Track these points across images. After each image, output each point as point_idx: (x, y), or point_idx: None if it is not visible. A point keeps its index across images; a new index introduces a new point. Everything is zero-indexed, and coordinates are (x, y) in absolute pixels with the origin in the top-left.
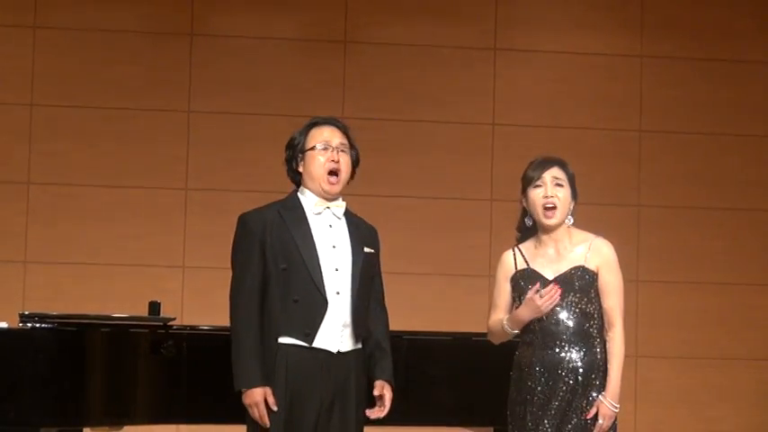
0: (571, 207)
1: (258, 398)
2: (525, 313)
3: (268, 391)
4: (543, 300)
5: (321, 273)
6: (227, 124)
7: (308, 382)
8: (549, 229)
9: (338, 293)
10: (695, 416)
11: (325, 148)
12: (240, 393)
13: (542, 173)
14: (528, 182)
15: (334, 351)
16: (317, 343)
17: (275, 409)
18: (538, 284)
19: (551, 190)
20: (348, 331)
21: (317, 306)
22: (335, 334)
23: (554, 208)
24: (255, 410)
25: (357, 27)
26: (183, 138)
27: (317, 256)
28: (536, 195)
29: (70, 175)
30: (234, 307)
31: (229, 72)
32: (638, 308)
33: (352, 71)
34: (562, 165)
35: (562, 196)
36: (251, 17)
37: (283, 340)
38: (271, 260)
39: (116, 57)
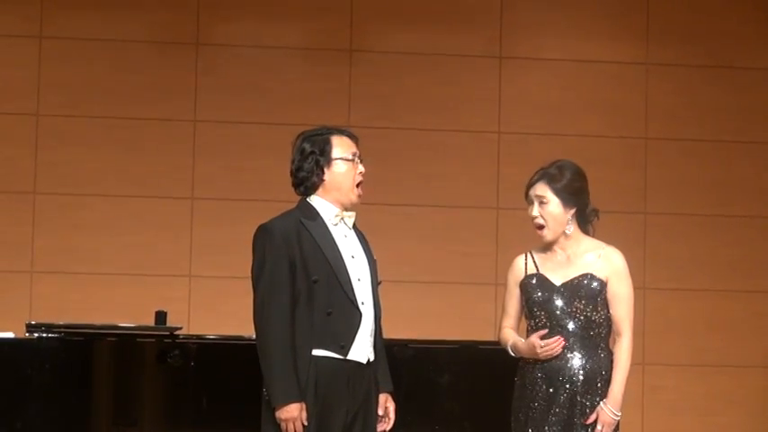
0: (569, 216)
1: (296, 413)
2: (524, 352)
3: (303, 405)
4: (543, 349)
5: (351, 284)
6: (233, 133)
7: (337, 393)
8: (546, 244)
9: (363, 303)
10: (703, 424)
11: (353, 160)
12: (273, 408)
13: (528, 190)
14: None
15: (365, 361)
16: (351, 355)
17: (306, 423)
18: (545, 331)
19: (536, 209)
20: (372, 341)
21: (351, 318)
22: (366, 344)
23: (542, 227)
24: (291, 426)
25: (362, 35)
26: (189, 147)
27: (345, 266)
28: (529, 213)
29: (76, 185)
30: (265, 322)
31: (235, 81)
32: (645, 315)
33: (357, 80)
34: (549, 178)
35: (548, 213)
36: (256, 26)
37: (317, 352)
38: (301, 272)
39: (122, 66)
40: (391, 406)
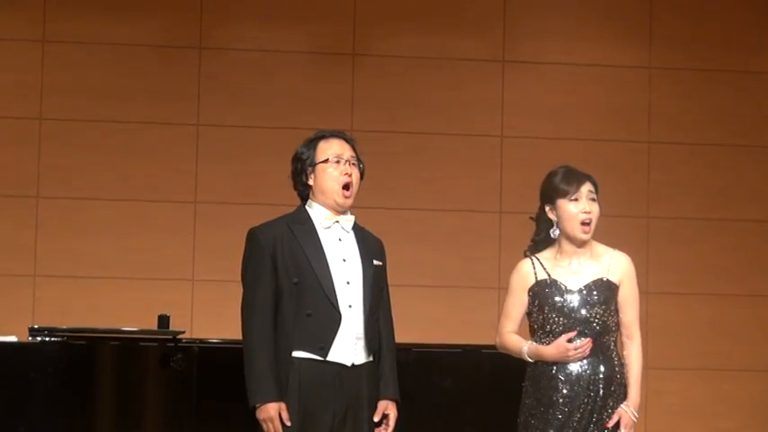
0: None
1: (273, 413)
2: (551, 355)
3: (282, 406)
4: (575, 352)
5: (333, 286)
6: (236, 137)
7: (322, 395)
8: (579, 243)
9: (350, 306)
10: (707, 428)
11: (338, 162)
12: (253, 409)
13: (579, 187)
14: (561, 194)
15: (348, 364)
16: (332, 356)
17: (289, 424)
18: (575, 332)
19: (588, 205)
20: (361, 344)
21: (330, 320)
22: (349, 347)
23: (590, 223)
24: (270, 426)
25: (365, 39)
26: (192, 150)
27: (328, 269)
28: (572, 209)
29: (79, 189)
30: (247, 322)
31: (238, 85)
32: (648, 320)
33: (360, 83)
34: (593, 179)
35: (596, 211)
36: (259, 30)
37: (297, 354)
38: (282, 275)
39: (125, 70)
40: (391, 413)
